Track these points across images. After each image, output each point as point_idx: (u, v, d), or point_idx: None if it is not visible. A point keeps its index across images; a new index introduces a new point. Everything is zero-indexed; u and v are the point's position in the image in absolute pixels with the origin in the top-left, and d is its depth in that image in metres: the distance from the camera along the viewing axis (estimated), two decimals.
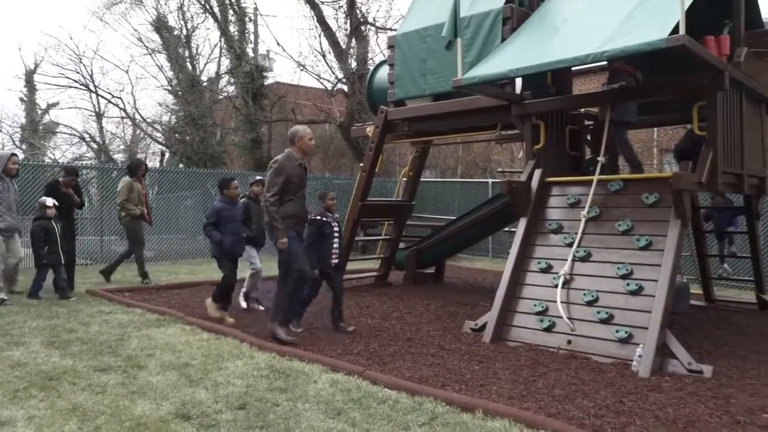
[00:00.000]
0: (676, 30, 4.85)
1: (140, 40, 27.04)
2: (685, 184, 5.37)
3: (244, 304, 7.53)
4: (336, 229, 6.38)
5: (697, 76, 5.75)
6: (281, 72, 43.67)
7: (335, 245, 6.36)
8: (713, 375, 4.93)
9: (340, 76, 18.19)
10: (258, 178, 7.58)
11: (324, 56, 18.45)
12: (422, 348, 5.74)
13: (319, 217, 6.30)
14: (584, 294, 5.77)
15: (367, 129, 9.01)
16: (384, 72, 8.88)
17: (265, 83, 20.75)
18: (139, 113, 29.08)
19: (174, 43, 22.62)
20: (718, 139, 5.69)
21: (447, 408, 4.08)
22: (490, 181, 14.59)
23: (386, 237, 9.86)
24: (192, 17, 23.32)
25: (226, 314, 6.73)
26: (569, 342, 5.64)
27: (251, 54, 20.78)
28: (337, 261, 6.43)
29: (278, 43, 40.22)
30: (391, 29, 17.50)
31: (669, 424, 3.87)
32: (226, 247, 6.62)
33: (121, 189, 9.35)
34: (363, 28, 18.22)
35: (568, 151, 7.40)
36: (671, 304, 5.34)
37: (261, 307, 7.48)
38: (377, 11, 52.17)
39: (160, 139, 26.15)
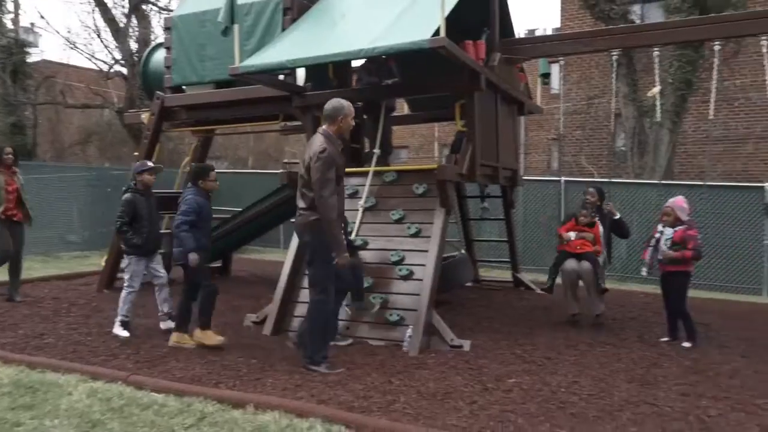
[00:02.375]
0: (438, 33, 5.22)
1: None
2: (448, 175, 5.83)
3: (167, 325, 5.97)
4: None
5: (458, 77, 6.26)
6: (49, 49, 38.92)
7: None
8: (471, 348, 5.44)
9: (118, 57, 16.73)
10: (150, 164, 6.19)
11: (99, 34, 16.81)
12: (200, 346, 5.50)
13: None
14: None
15: (143, 116, 8.39)
16: (161, 55, 8.32)
17: (28, 60, 18.29)
18: None
19: None
20: (476, 134, 6.27)
21: (217, 406, 3.95)
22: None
23: (167, 231, 9.27)
24: None
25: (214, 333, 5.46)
26: (347, 328, 5.81)
27: (10, 26, 18.16)
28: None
29: (42, 16, 35.69)
30: (173, 10, 16.51)
31: (430, 397, 4.17)
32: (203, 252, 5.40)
33: None
34: (144, 7, 16.94)
35: (348, 142, 7.60)
36: (437, 286, 5.77)
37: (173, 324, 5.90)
38: None
39: None
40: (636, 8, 13.95)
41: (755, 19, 5.97)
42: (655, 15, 14.11)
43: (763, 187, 9.60)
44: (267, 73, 6.32)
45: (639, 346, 5.64)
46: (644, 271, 5.95)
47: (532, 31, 22.19)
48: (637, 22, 13.29)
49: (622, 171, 14.61)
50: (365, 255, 6.15)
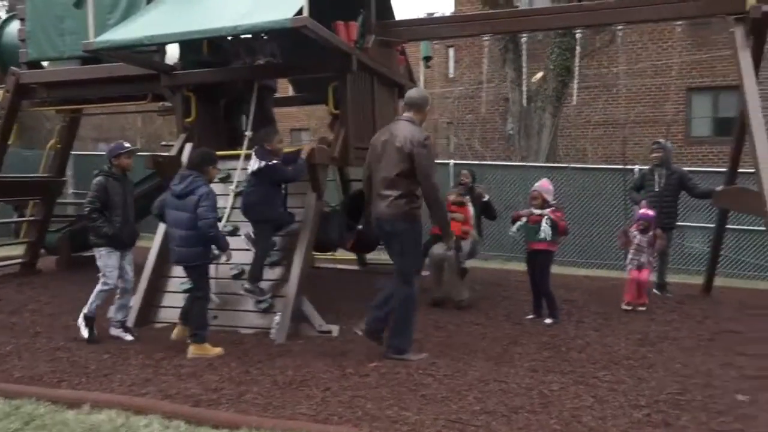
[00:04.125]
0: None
1: None
2: (318, 158, 5.73)
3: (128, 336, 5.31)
4: None
5: (330, 58, 6.14)
6: None
7: None
8: (341, 333, 5.42)
9: None
10: (127, 145, 5.51)
11: None
12: (50, 342, 5.17)
13: None
14: (230, 268, 5.82)
15: None
16: (15, 27, 7.65)
17: None
18: None
19: None
20: (349, 117, 6.19)
21: (51, 407, 3.70)
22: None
23: (32, 218, 8.64)
24: None
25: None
26: (215, 317, 5.62)
27: None
28: None
29: None
30: None
31: (285, 386, 4.10)
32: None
33: None
34: None
35: (227, 124, 7.33)
36: (306, 272, 5.69)
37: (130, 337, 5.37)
38: None
39: None
40: None
41: (611, 9, 6.25)
42: (542, 3, 14.56)
43: (632, 169, 10.14)
44: (128, 50, 5.94)
45: (504, 325, 5.83)
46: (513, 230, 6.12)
47: (431, 14, 22.41)
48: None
49: (512, 154, 15.11)
50: (234, 242, 5.95)
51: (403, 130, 4.55)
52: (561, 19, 6.67)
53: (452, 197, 6.84)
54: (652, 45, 15.21)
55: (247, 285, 5.58)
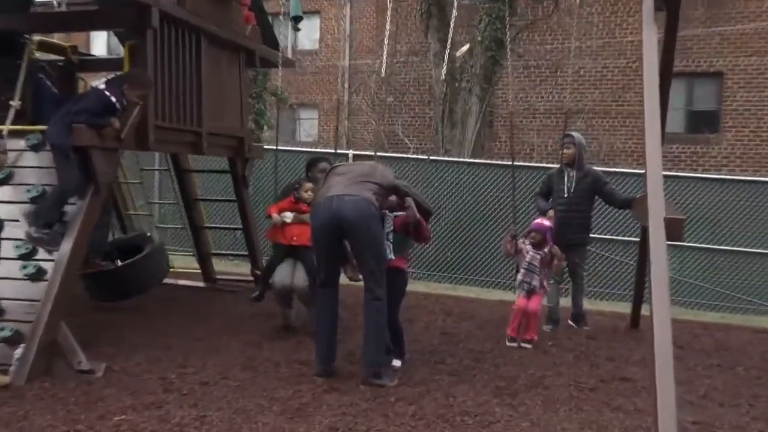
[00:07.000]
0: None
1: None
2: (88, 139, 5.29)
3: None
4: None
5: (125, 8, 5.73)
6: None
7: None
8: (111, 372, 5.09)
9: None
10: None
11: None
12: None
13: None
14: None
15: None
16: None
17: None
18: None
19: None
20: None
21: None
22: None
23: None
24: None
25: None
26: None
27: None
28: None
29: None
30: None
31: None
32: None
33: None
34: None
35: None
36: (69, 291, 5.28)
37: None
38: None
39: None
40: None
41: None
42: None
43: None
44: None
45: (344, 364, 5.47)
46: None
47: None
48: None
49: (437, 145, 14.96)
50: None
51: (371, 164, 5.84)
52: None
53: (304, 194, 6.47)
54: (613, 17, 15.29)
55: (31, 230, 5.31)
